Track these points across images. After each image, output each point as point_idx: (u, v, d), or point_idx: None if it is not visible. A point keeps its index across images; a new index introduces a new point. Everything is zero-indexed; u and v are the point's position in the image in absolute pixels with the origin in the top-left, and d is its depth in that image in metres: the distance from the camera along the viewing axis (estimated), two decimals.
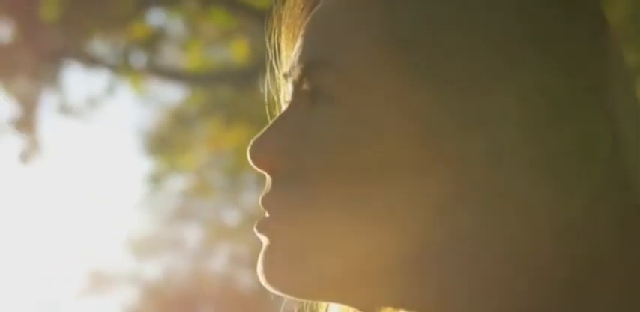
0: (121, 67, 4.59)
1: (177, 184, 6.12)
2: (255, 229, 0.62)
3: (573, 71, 0.61)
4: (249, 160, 0.63)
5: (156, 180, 5.65)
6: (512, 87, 0.60)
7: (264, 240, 0.62)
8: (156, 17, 4.97)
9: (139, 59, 4.60)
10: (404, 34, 0.61)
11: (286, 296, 0.63)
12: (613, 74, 0.62)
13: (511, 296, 0.60)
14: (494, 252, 0.60)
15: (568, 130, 0.60)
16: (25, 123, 4.77)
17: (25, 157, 4.81)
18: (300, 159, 0.61)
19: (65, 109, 4.89)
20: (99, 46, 4.75)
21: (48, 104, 4.80)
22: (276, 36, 0.67)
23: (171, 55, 4.97)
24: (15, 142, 4.65)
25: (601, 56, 0.62)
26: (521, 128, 0.60)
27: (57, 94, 4.83)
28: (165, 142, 5.85)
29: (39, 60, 4.65)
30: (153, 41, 4.55)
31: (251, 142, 0.63)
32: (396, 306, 0.62)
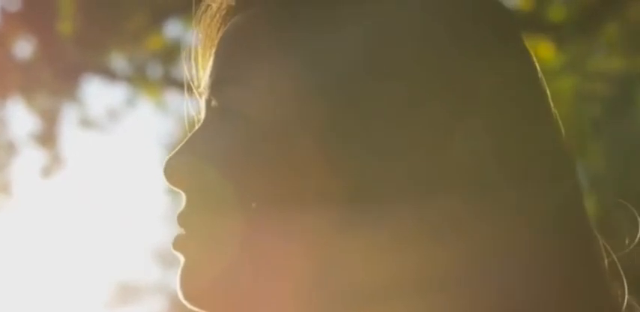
0: (138, 80, 4.62)
1: None
2: (171, 246, 0.63)
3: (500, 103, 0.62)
4: (164, 179, 0.64)
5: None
6: (426, 115, 0.61)
7: (180, 257, 0.64)
8: (172, 29, 4.99)
9: (156, 71, 4.63)
10: (310, 56, 0.62)
11: None
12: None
13: None
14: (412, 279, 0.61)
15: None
16: (47, 137, 4.80)
17: (46, 171, 4.84)
18: (210, 176, 0.63)
19: (86, 123, 4.92)
20: (116, 59, 4.78)
21: (69, 118, 4.83)
22: (193, 55, 0.69)
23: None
24: (36, 157, 4.68)
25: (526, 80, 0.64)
26: (427, 158, 0.61)
27: (77, 107, 4.86)
28: None
29: (58, 75, 4.69)
30: (169, 53, 4.58)
31: (165, 161, 0.64)
32: None
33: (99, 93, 4.87)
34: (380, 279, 0.60)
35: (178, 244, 0.63)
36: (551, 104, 0.66)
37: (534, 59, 0.66)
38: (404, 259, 0.60)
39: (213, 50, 0.65)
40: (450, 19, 0.63)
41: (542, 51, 3.66)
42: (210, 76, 0.64)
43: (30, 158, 4.73)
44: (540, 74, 0.66)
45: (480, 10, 0.64)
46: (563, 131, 0.66)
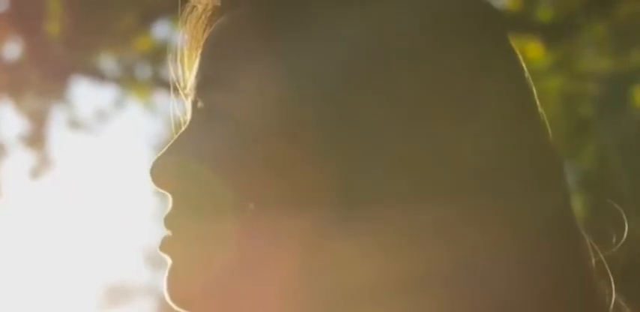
0: (127, 81, 4.62)
1: None
2: (158, 248, 0.63)
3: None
4: (150, 181, 0.64)
5: None
6: (414, 118, 0.61)
7: (167, 259, 0.64)
8: (160, 30, 5.00)
9: (145, 72, 4.63)
10: (296, 57, 0.62)
11: None
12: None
13: None
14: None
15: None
16: (35, 138, 4.79)
17: (35, 172, 4.83)
18: (197, 177, 0.63)
19: (75, 124, 4.91)
20: (105, 60, 4.78)
21: (57, 119, 4.83)
22: (179, 57, 0.68)
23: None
24: (25, 158, 4.67)
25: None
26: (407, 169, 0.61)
27: (66, 109, 4.85)
28: None
29: (46, 76, 4.68)
30: (158, 54, 4.58)
31: (151, 163, 0.64)
32: None
33: (87, 94, 4.87)
34: (369, 280, 0.60)
35: (165, 246, 0.63)
36: (539, 104, 0.66)
37: (521, 59, 0.66)
38: (393, 261, 0.60)
39: (199, 51, 0.65)
40: (438, 21, 0.63)
41: (531, 51, 3.66)
42: (196, 77, 0.64)
43: (19, 159, 4.72)
44: (527, 74, 0.66)
45: (467, 11, 0.64)
46: (550, 131, 0.66)
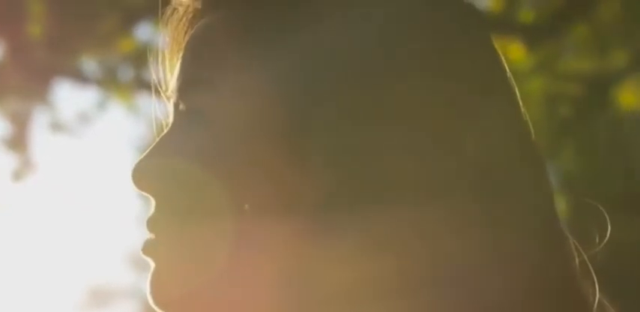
0: (109, 83, 4.61)
1: None
2: (141, 251, 0.63)
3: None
4: (132, 184, 0.64)
5: None
6: (395, 120, 0.61)
7: (150, 262, 0.64)
8: (143, 32, 4.99)
9: (127, 74, 4.62)
10: (276, 59, 0.62)
11: None
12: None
13: None
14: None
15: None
16: (17, 141, 4.78)
17: (17, 175, 4.82)
18: (179, 179, 0.63)
19: (57, 126, 4.90)
20: (87, 62, 4.77)
21: (39, 122, 4.81)
22: (161, 59, 0.68)
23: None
24: (7, 161, 4.66)
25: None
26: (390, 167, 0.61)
27: (48, 111, 4.84)
28: None
29: (28, 78, 4.67)
30: (140, 56, 4.57)
31: (133, 166, 0.64)
32: None
33: (70, 96, 4.86)
34: (354, 284, 0.60)
35: (148, 249, 0.63)
36: (521, 105, 0.66)
37: (503, 60, 0.66)
38: (378, 264, 0.60)
39: (181, 54, 0.65)
40: (423, 24, 0.63)
41: (513, 52, 3.67)
42: (178, 79, 0.64)
43: (0, 162, 4.71)
44: (510, 75, 0.66)
45: (453, 13, 0.64)
46: (533, 132, 0.67)
